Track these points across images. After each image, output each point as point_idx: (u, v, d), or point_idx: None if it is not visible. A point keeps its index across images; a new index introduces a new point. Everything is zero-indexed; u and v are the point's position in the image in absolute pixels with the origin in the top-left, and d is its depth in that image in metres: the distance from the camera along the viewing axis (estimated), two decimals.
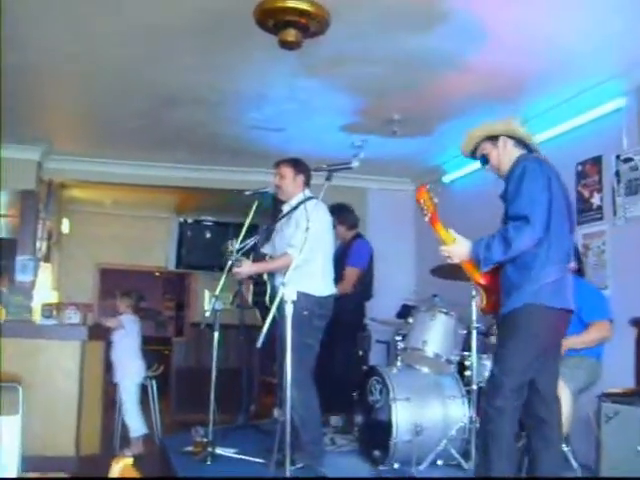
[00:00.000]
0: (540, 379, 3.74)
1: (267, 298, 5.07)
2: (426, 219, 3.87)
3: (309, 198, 4.96)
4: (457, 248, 3.77)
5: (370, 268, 6.81)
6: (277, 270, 5.01)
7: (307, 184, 5.13)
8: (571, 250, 3.82)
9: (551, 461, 3.74)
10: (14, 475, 2.21)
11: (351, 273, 6.39)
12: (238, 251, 4.97)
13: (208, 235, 12.09)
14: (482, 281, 3.83)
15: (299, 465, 4.45)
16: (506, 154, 3.93)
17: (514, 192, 3.68)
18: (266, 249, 5.29)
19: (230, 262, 5.00)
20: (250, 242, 5.15)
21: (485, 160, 4.03)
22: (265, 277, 5.14)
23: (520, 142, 3.93)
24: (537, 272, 3.60)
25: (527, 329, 3.59)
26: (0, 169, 7.61)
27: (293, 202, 5.05)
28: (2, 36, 4.92)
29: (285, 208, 5.13)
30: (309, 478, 3.78)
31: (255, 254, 5.25)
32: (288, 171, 5.09)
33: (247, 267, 5.04)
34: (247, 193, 5.44)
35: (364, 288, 6.69)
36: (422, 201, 3.86)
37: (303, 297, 4.58)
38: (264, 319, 4.06)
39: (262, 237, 5.43)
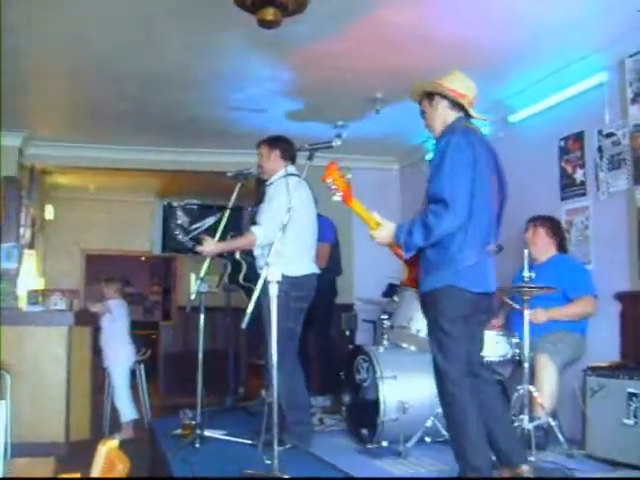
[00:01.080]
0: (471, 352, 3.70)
1: (241, 276, 5.06)
2: (338, 198, 3.76)
3: (290, 175, 4.92)
4: (382, 232, 3.69)
5: (337, 244, 6.88)
6: (240, 248, 4.99)
7: (288, 159, 5.08)
8: (492, 231, 3.72)
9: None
10: (1, 463, 2.22)
11: (323, 248, 6.33)
12: (192, 231, 4.96)
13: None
14: (401, 254, 3.74)
15: (288, 446, 4.48)
16: (438, 116, 3.80)
17: (436, 167, 3.60)
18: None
19: (184, 240, 4.99)
20: (208, 222, 5.14)
21: (422, 115, 3.93)
22: (238, 256, 5.13)
23: (456, 104, 3.78)
24: (454, 254, 3.54)
25: (449, 311, 3.56)
26: None
27: (273, 179, 5.03)
28: None
29: (268, 182, 5.11)
30: (322, 478, 3.79)
31: (239, 234, 5.24)
32: (264, 149, 5.09)
33: (210, 246, 4.99)
34: (229, 174, 5.41)
35: (334, 263, 6.73)
36: (331, 179, 3.75)
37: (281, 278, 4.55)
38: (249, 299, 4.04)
39: (247, 219, 5.42)
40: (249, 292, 4.73)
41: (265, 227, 4.74)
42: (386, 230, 3.68)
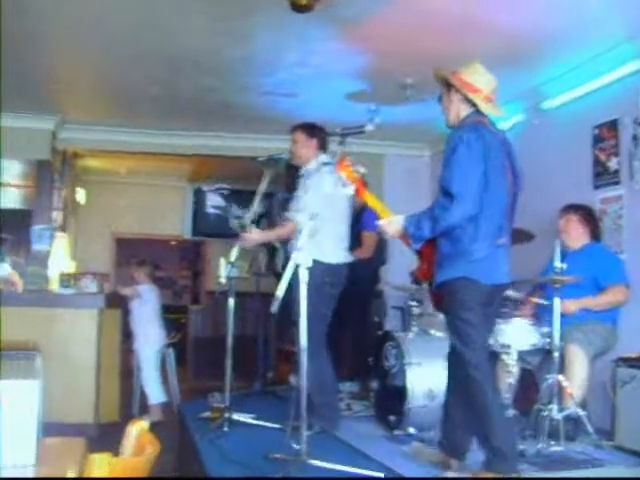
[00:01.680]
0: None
1: (280, 264, 5.06)
2: (350, 191, 3.92)
3: (325, 164, 4.91)
4: (391, 225, 3.79)
5: (380, 234, 6.84)
6: (283, 237, 4.99)
7: (322, 148, 5.07)
8: (504, 224, 3.76)
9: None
10: (33, 442, 2.25)
11: (369, 238, 6.35)
12: (240, 217, 4.97)
13: (223, 203, 12.12)
14: (416, 247, 3.84)
15: (316, 429, 4.48)
16: (453, 108, 3.86)
17: (447, 160, 3.65)
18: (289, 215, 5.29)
19: (236, 229, 5.00)
20: (257, 210, 5.13)
21: (439, 100, 3.99)
22: (277, 245, 5.13)
23: (469, 99, 3.80)
24: (466, 247, 3.61)
25: (468, 300, 3.62)
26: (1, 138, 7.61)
27: (309, 167, 5.01)
28: (15, 6, 4.90)
29: (302, 173, 5.10)
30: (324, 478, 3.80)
31: (269, 220, 5.24)
32: (300, 136, 5.05)
33: (255, 235, 5.02)
34: (260, 159, 5.40)
35: (379, 253, 6.69)
36: (344, 174, 3.87)
37: (317, 265, 4.51)
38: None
39: (277, 205, 5.41)
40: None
41: (305, 216, 4.74)
42: (395, 223, 3.78)
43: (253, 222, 5.12)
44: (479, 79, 3.81)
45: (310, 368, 4.15)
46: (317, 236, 4.39)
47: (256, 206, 5.13)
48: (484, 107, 3.79)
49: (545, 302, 4.82)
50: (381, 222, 3.83)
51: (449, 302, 3.71)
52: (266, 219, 5.37)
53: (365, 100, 7.13)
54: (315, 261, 4.50)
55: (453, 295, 3.66)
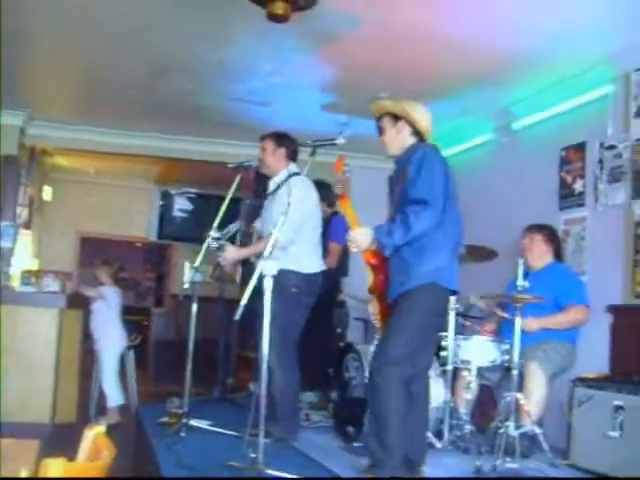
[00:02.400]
0: (420, 355, 3.83)
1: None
2: (338, 191, 4.02)
3: (294, 174, 4.94)
4: (360, 236, 3.83)
5: (346, 245, 6.86)
6: (260, 252, 5.01)
7: (291, 158, 5.07)
8: (460, 237, 3.97)
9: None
10: None
11: (335, 248, 6.37)
12: (219, 239, 4.97)
13: (190, 207, 12.10)
14: (372, 260, 3.95)
15: (274, 439, 4.48)
16: (399, 139, 4.01)
17: (414, 175, 3.76)
18: (257, 224, 5.28)
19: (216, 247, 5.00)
20: (232, 228, 5.14)
21: (381, 132, 4.09)
22: (252, 259, 5.13)
23: (417, 133, 3.97)
24: (431, 254, 3.73)
25: (426, 306, 3.74)
26: None
27: (277, 178, 5.02)
28: None
29: (270, 184, 5.10)
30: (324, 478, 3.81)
31: (242, 238, 5.25)
32: (269, 144, 5.05)
33: (232, 253, 5.03)
34: (230, 166, 5.41)
35: (341, 264, 6.71)
36: (340, 173, 3.98)
37: (292, 275, 4.69)
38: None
39: (243, 212, 5.40)
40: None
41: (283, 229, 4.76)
42: (364, 234, 3.81)
43: (230, 240, 5.12)
44: (423, 118, 3.97)
45: (278, 375, 4.18)
46: (292, 247, 4.46)
47: (232, 225, 5.14)
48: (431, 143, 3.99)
49: (508, 316, 4.85)
50: (353, 233, 3.85)
51: (406, 305, 3.74)
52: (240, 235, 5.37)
53: (338, 112, 7.17)
54: (294, 272, 4.56)
55: (416, 301, 3.73)
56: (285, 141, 5.05)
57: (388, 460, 3.64)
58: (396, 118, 3.99)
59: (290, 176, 4.88)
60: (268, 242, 4.42)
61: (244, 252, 5.11)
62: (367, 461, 3.86)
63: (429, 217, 3.66)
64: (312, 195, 4.94)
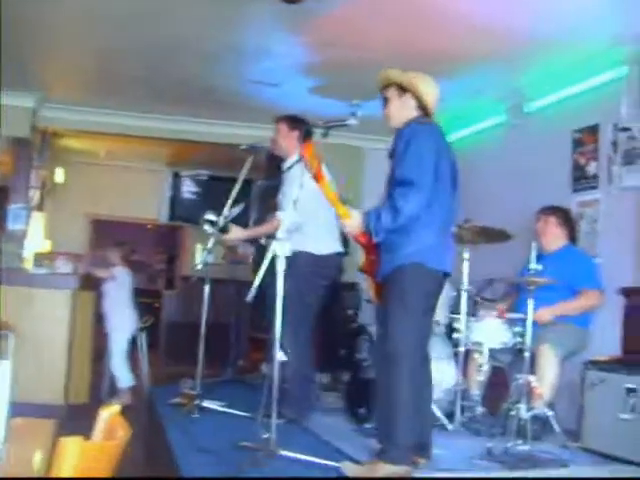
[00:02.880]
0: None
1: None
2: (309, 174, 3.96)
3: None
4: (353, 222, 3.80)
5: None
6: (266, 234, 5.02)
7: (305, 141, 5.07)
8: (453, 215, 3.92)
9: None
10: (3, 422, 2.24)
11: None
12: (214, 223, 4.99)
13: (202, 189, 12.09)
14: (362, 240, 3.88)
15: (286, 419, 4.50)
16: (404, 111, 3.91)
17: (402, 154, 3.71)
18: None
19: (212, 232, 5.01)
20: (234, 212, 5.14)
21: (385, 102, 4.01)
22: (263, 241, 5.14)
23: (422, 107, 3.89)
24: (417, 233, 3.67)
25: (415, 288, 3.67)
26: None
27: (290, 160, 5.02)
28: None
29: (284, 166, 5.10)
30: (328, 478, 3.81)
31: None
32: (283, 127, 5.07)
33: (236, 233, 5.05)
34: (242, 147, 5.41)
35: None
36: (308, 157, 3.92)
37: (306, 256, 4.75)
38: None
39: (255, 194, 5.41)
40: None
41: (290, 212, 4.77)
42: (355, 219, 3.78)
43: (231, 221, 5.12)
44: (431, 91, 3.90)
45: (291, 356, 4.20)
46: (304, 227, 4.47)
47: (236, 209, 5.14)
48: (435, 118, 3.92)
49: (518, 315, 4.84)
50: (344, 221, 3.82)
51: (397, 288, 3.70)
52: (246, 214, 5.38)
53: (347, 94, 7.14)
54: (301, 252, 4.58)
55: (402, 281, 3.68)
56: (299, 124, 5.05)
57: (394, 452, 3.59)
58: (403, 90, 3.90)
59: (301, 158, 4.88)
60: (277, 224, 4.45)
61: (248, 232, 5.14)
62: (377, 443, 3.86)
63: (417, 198, 3.61)
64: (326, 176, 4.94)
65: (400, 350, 3.62)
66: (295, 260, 4.10)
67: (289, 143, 5.05)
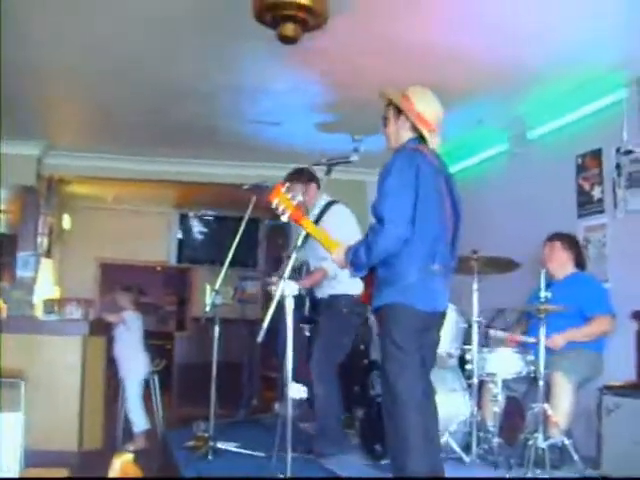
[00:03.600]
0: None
1: (306, 309, 5.18)
2: (285, 218, 3.83)
3: (331, 202, 5.14)
4: (334, 255, 3.76)
5: None
6: (317, 285, 5.15)
7: (319, 187, 5.22)
8: (440, 249, 3.66)
9: None
10: (16, 473, 2.22)
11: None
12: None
13: (208, 229, 12.13)
14: (358, 275, 3.84)
15: (302, 456, 4.47)
16: (399, 132, 3.83)
17: (378, 188, 3.65)
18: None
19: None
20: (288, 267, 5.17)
21: (385, 122, 3.94)
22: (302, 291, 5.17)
23: (417, 129, 3.77)
24: (399, 270, 3.57)
25: (401, 327, 3.56)
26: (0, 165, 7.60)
27: (316, 211, 5.07)
28: (3, 32, 4.91)
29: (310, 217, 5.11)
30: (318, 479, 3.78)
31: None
32: (299, 186, 5.03)
33: (294, 289, 5.06)
34: (245, 187, 5.44)
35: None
36: (276, 201, 3.80)
37: (344, 298, 4.95)
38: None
39: (263, 233, 5.41)
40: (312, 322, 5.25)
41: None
42: (338, 253, 3.74)
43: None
44: (429, 109, 3.80)
45: (321, 393, 4.22)
46: (341, 273, 4.48)
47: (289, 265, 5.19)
48: (430, 142, 3.77)
49: (530, 340, 4.84)
50: (332, 254, 3.79)
51: (384, 326, 3.65)
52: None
53: (345, 131, 7.19)
54: (343, 295, 4.94)
55: (387, 320, 3.61)
56: (307, 175, 5.19)
57: None
58: (399, 111, 3.83)
59: (328, 205, 5.10)
60: (322, 278, 4.72)
61: (305, 283, 5.14)
62: None
63: (387, 236, 3.50)
64: (351, 220, 5.15)
65: (398, 389, 3.54)
66: (334, 302, 4.48)
67: (311, 197, 5.16)
